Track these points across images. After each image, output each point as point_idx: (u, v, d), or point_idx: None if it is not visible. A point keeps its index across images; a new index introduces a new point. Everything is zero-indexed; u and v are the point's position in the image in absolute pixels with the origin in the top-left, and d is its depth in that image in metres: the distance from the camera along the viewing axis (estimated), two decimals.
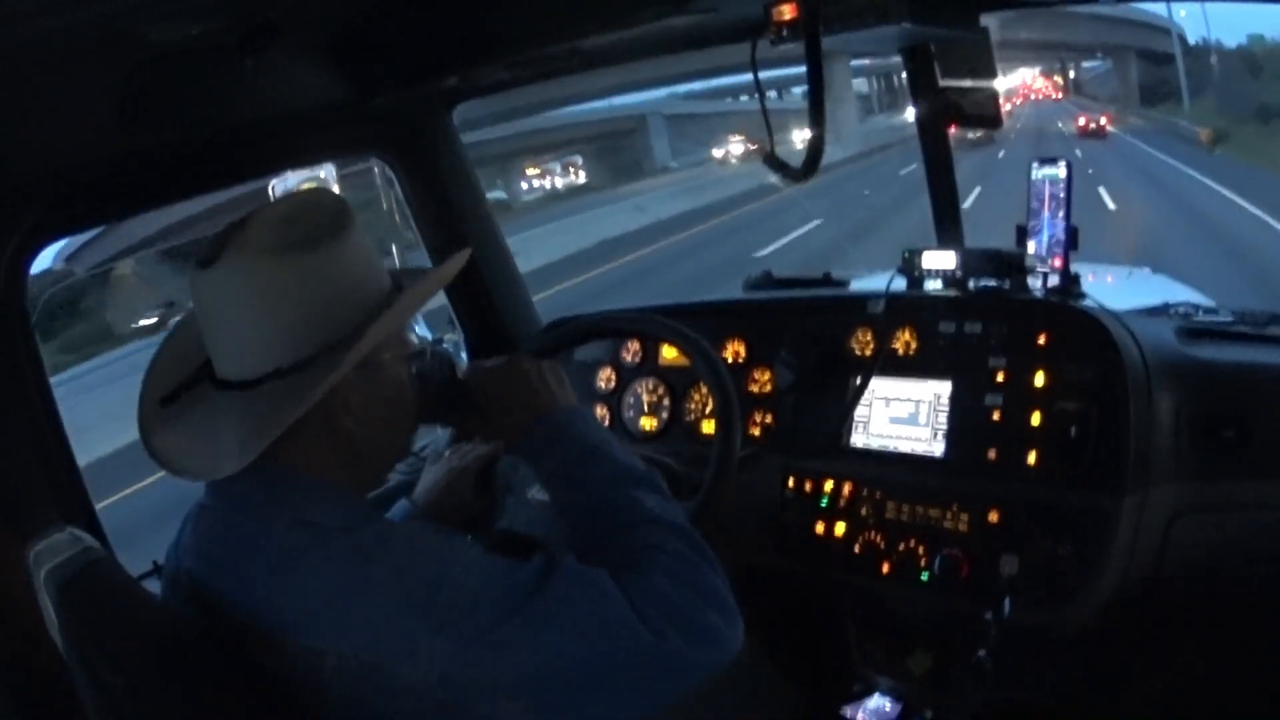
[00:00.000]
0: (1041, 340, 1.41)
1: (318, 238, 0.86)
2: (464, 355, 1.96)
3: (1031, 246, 1.51)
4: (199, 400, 0.89)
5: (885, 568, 1.46)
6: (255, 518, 0.83)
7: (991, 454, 1.41)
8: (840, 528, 1.51)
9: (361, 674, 0.77)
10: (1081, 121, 31.03)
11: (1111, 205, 13.03)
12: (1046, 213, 1.50)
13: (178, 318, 0.98)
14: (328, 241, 0.86)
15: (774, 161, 1.32)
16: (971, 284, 1.53)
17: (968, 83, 1.63)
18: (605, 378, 1.83)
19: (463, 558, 0.82)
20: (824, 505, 1.53)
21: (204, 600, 0.83)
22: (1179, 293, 2.29)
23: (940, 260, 1.55)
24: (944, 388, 1.49)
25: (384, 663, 0.77)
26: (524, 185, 37.98)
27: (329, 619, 0.78)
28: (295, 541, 0.81)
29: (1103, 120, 30.51)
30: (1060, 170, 1.50)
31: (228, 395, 0.86)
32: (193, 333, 0.91)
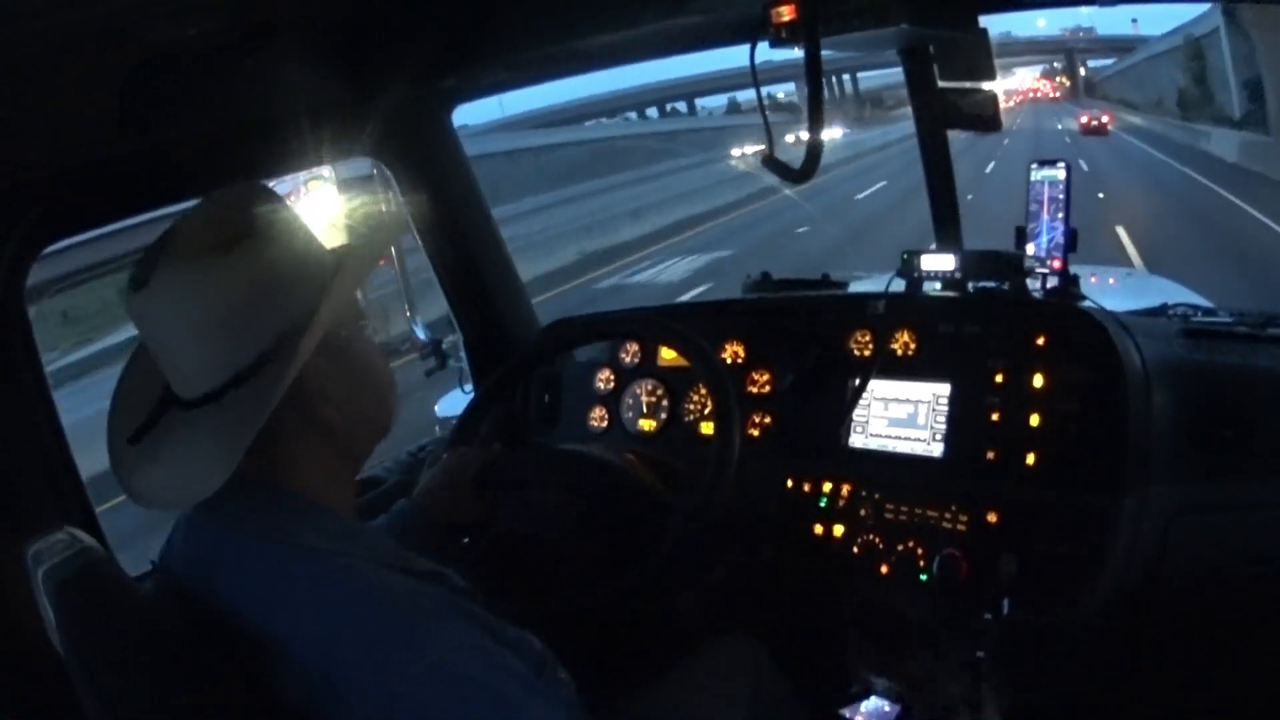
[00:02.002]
0: (1040, 341, 1.41)
1: (242, 232, 0.83)
2: (463, 355, 1.96)
3: (1030, 248, 1.52)
4: (169, 430, 0.86)
5: (884, 569, 1.46)
6: (244, 533, 0.83)
7: (990, 455, 1.42)
8: (839, 529, 1.51)
9: (328, 694, 0.76)
10: (1084, 119, 31.36)
11: (1138, 262, 8.66)
12: (1046, 215, 1.51)
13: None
14: (254, 232, 0.84)
15: (773, 163, 1.33)
16: (970, 285, 1.54)
17: (966, 84, 1.64)
18: (604, 379, 1.83)
19: (457, 620, 0.81)
20: (823, 506, 1.53)
21: (194, 608, 0.82)
22: (1178, 294, 2.29)
23: (939, 262, 1.55)
24: (943, 389, 1.49)
25: (347, 693, 0.76)
26: None
27: (306, 637, 0.77)
28: (282, 560, 0.81)
29: (1104, 119, 30.65)
30: (1059, 172, 1.50)
31: (195, 414, 0.84)
32: (147, 361, 0.88)
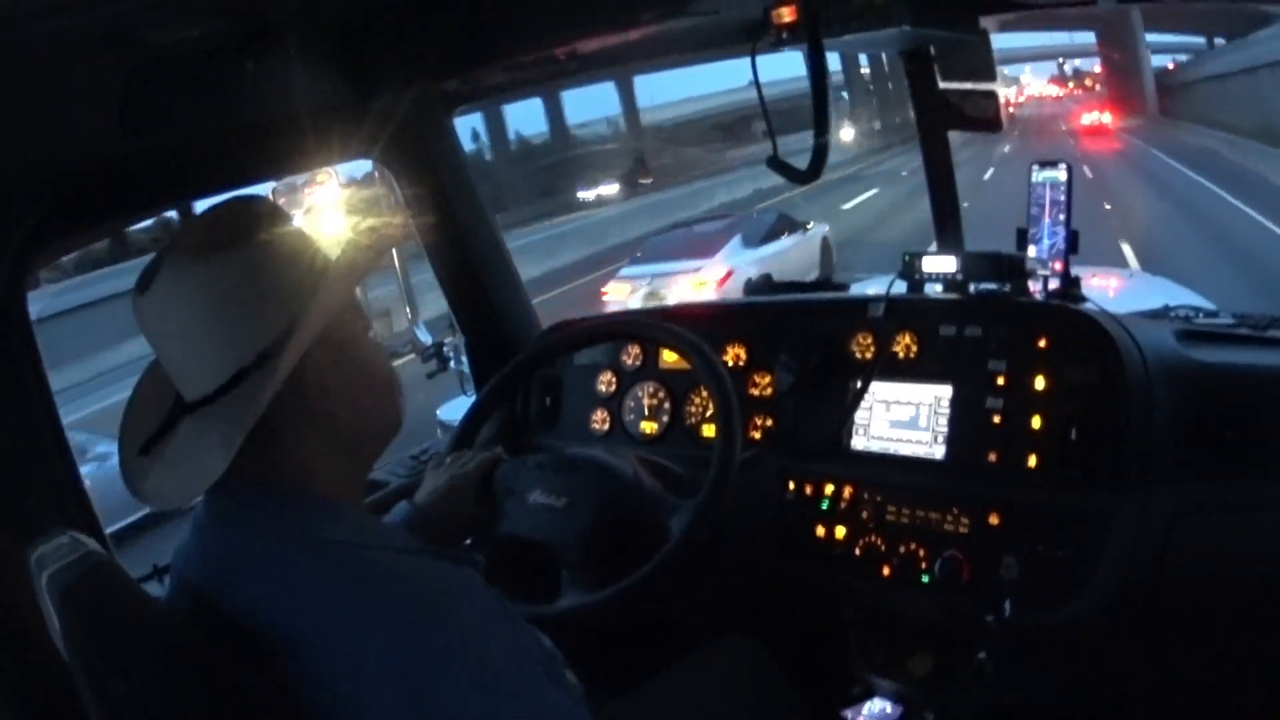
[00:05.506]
0: (1042, 343, 1.41)
1: (246, 233, 0.85)
2: (464, 358, 1.96)
3: (1032, 250, 1.52)
4: (177, 434, 0.88)
5: (886, 570, 1.46)
6: (265, 536, 0.83)
7: (992, 457, 1.41)
8: (841, 530, 1.51)
9: (354, 694, 0.76)
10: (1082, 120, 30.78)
11: None
12: (1047, 218, 1.51)
13: None
14: (258, 233, 0.85)
15: (778, 164, 1.33)
16: (972, 287, 1.54)
17: (968, 85, 1.64)
18: (605, 381, 1.83)
19: (499, 630, 0.82)
20: (824, 508, 1.53)
21: (211, 614, 0.82)
22: (1179, 296, 2.29)
23: (941, 264, 1.55)
24: (944, 391, 1.48)
25: (375, 689, 0.76)
26: None
27: (331, 633, 0.77)
28: (306, 557, 0.81)
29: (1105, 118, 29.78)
30: (1060, 173, 1.50)
31: (199, 414, 0.86)
32: (160, 373, 0.90)
